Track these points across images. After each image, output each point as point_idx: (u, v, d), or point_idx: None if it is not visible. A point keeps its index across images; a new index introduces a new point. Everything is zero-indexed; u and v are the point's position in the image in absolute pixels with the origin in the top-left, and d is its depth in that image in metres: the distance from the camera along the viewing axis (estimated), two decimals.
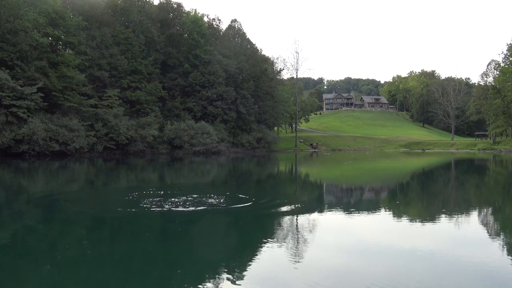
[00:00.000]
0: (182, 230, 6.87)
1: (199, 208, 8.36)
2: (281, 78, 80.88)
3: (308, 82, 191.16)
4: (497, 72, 68.78)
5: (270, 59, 74.49)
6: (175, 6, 58.62)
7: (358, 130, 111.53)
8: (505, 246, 5.94)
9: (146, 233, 6.84)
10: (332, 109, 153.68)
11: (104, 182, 16.65)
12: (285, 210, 8.29)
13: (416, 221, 8.06)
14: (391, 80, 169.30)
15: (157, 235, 6.76)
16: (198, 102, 55.19)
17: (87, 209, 9.02)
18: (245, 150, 58.72)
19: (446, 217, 8.52)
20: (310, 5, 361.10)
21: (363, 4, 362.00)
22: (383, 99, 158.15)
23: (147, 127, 45.09)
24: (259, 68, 63.19)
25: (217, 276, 4.45)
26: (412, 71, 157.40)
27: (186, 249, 5.80)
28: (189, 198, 9.57)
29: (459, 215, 8.78)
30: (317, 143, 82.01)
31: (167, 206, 8.45)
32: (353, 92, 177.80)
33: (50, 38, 39.27)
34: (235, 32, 65.38)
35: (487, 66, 79.01)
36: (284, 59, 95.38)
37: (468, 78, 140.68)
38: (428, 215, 8.77)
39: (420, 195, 12.98)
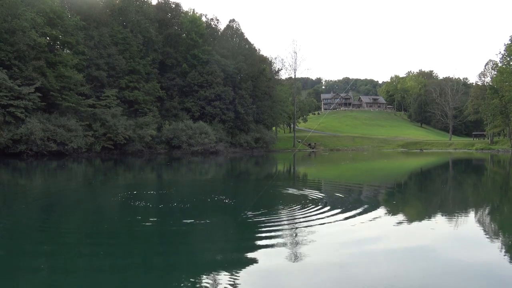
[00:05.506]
0: (179, 231, 6.86)
1: (197, 208, 8.35)
2: (279, 78, 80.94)
3: (306, 82, 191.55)
4: (495, 72, 68.87)
5: (268, 59, 74.57)
6: (173, 6, 58.63)
7: (356, 130, 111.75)
8: (504, 246, 5.95)
9: (143, 233, 6.82)
10: (330, 109, 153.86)
11: (101, 182, 16.62)
12: (284, 210, 8.30)
13: (415, 221, 8.07)
14: (389, 80, 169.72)
15: (155, 236, 6.74)
16: (196, 102, 55.18)
17: (82, 208, 8.99)
18: (243, 150, 58.73)
19: (444, 217, 8.54)
20: (308, 5, 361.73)
21: (361, 4, 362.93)
22: (381, 99, 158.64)
23: (145, 127, 45.07)
24: (257, 68, 63.19)
25: (216, 277, 4.44)
26: (410, 71, 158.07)
27: (184, 251, 5.79)
28: (185, 199, 9.56)
29: (458, 215, 8.80)
30: (315, 143, 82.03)
31: (164, 206, 8.44)
32: (351, 92, 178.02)
33: (47, 38, 39.19)
34: (233, 32, 65.38)
35: (485, 66, 79.27)
36: (282, 59, 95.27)
37: (466, 78, 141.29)
38: (426, 215, 8.79)
39: (418, 195, 13.00)
